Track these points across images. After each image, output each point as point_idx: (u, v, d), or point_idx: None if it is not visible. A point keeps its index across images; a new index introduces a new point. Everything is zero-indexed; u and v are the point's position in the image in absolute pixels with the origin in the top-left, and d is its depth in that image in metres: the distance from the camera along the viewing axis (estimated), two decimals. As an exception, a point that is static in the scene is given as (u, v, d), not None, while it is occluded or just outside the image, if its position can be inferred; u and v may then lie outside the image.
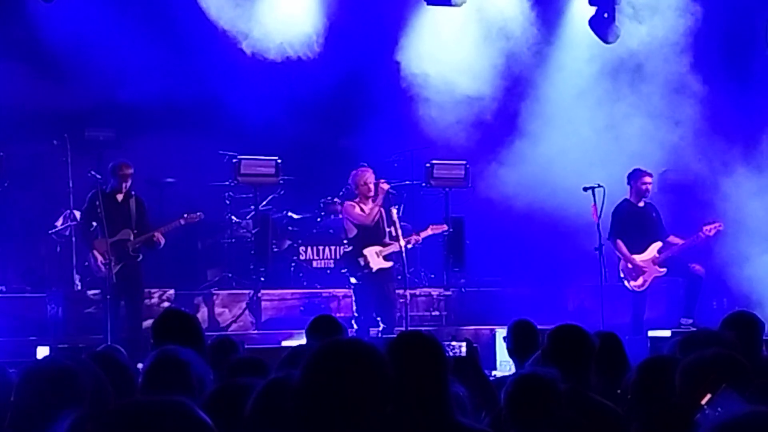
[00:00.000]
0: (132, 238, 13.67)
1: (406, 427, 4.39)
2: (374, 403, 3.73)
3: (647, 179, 14.55)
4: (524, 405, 5.38)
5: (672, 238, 14.65)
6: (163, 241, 13.85)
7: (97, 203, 13.39)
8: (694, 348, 5.51)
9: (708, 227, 14.63)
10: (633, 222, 14.41)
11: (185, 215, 14.06)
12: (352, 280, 13.80)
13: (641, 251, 14.50)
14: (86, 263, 13.86)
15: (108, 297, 13.45)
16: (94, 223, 13.64)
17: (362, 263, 13.67)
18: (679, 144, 16.83)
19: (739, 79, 16.97)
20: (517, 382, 5.48)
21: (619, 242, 14.43)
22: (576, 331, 6.31)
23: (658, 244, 14.55)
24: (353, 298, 13.92)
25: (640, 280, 14.45)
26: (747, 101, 17.04)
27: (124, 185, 13.64)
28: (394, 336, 12.44)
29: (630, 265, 14.50)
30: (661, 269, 14.53)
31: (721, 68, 16.90)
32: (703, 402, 4.54)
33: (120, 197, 13.70)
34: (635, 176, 14.55)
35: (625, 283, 14.54)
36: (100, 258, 13.51)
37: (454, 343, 6.68)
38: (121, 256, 13.59)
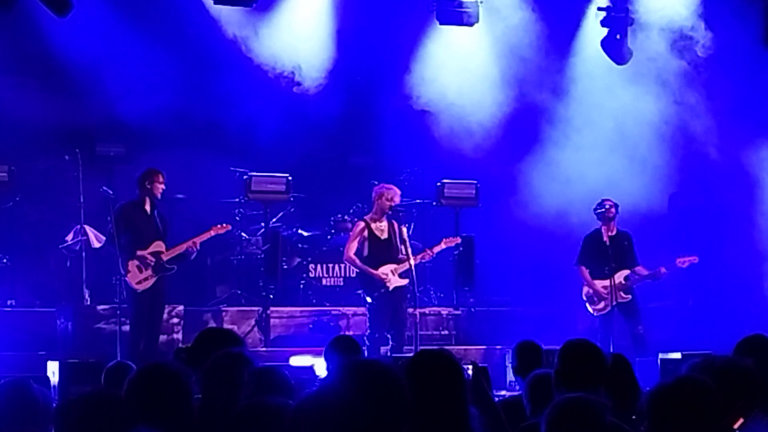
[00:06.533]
0: (165, 249, 13.53)
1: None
2: (392, 425, 3.70)
3: (606, 203, 14.64)
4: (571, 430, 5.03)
5: (640, 269, 14.67)
6: (196, 251, 13.70)
7: (133, 214, 13.30)
8: (710, 373, 5.40)
9: (681, 260, 14.69)
10: (600, 250, 14.47)
11: (213, 226, 13.97)
12: (368, 299, 13.77)
13: (606, 277, 14.50)
14: (118, 277, 13.54)
15: (130, 310, 13.36)
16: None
17: (378, 284, 13.65)
18: (695, 162, 16.83)
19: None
20: (565, 405, 5.04)
21: (582, 268, 14.67)
22: (586, 346, 6.21)
23: (625, 272, 14.58)
24: (368, 316, 13.88)
25: (601, 305, 14.60)
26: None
27: (156, 195, 13.44)
28: (404, 355, 12.43)
29: (591, 291, 14.56)
30: (626, 296, 14.58)
31: (742, 79, 16.85)
32: (736, 426, 4.48)
33: (148, 208, 13.51)
34: (597, 205, 14.66)
35: (588, 307, 14.62)
36: (150, 258, 13.29)
37: (461, 366, 6.64)
38: (157, 269, 13.44)
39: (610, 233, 14.60)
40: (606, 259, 14.45)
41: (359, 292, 14.14)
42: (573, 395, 5.24)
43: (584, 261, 14.66)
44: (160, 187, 13.43)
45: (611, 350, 13.88)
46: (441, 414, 4.42)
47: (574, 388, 5.73)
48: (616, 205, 14.60)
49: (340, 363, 3.86)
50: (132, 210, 13.42)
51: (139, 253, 13.30)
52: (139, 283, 13.29)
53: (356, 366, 3.77)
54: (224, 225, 14.09)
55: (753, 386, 5.14)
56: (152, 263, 13.32)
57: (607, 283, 14.48)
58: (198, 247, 13.67)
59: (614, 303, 14.43)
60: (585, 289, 14.68)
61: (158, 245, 13.45)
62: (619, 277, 14.55)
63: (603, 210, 14.54)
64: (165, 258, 13.44)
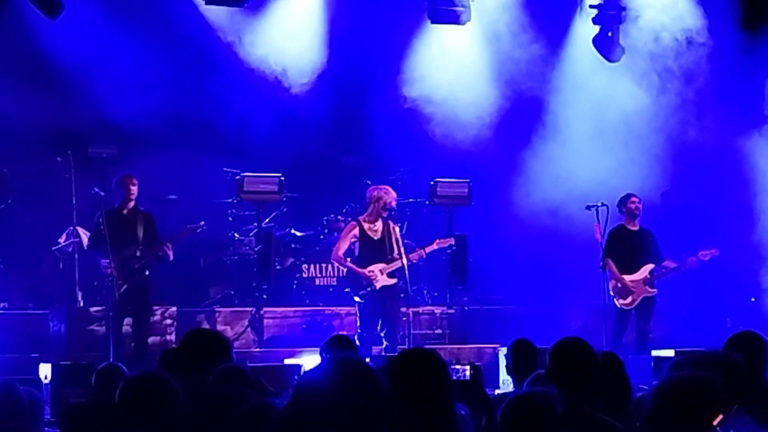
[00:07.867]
0: (138, 254, 13.47)
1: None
2: (366, 420, 3.71)
3: (634, 199, 14.77)
4: (521, 427, 5.15)
5: (668, 262, 14.71)
6: (171, 254, 13.60)
7: (101, 221, 13.27)
8: (700, 368, 5.42)
9: (704, 252, 14.74)
10: (625, 244, 14.53)
11: (188, 225, 13.91)
12: (356, 298, 13.74)
13: (632, 272, 14.54)
14: (95, 283, 13.60)
15: (110, 314, 13.33)
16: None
17: (365, 282, 13.61)
18: (685, 162, 16.84)
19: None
20: (513, 402, 5.28)
21: (610, 262, 14.57)
22: (577, 343, 6.23)
23: (650, 266, 14.62)
24: (357, 315, 13.86)
25: (629, 299, 14.65)
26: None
27: (130, 198, 13.45)
28: (396, 354, 12.39)
29: (619, 285, 14.58)
30: (652, 290, 14.64)
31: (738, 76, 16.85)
32: (715, 423, 4.49)
33: (126, 212, 13.51)
34: (623, 200, 14.74)
35: (615, 301, 14.62)
36: (105, 264, 13.14)
37: (458, 366, 6.63)
38: (128, 274, 13.36)
39: (633, 228, 14.67)
40: (632, 253, 14.51)
41: (347, 290, 14.10)
42: (521, 392, 5.33)
43: (610, 255, 14.61)
44: (134, 189, 13.43)
45: (621, 347, 13.95)
46: (425, 412, 4.42)
47: (565, 386, 5.76)
48: (641, 201, 14.71)
49: (321, 361, 3.90)
50: (108, 218, 13.29)
51: (102, 261, 13.25)
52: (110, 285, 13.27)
53: (333, 363, 3.80)
54: (201, 223, 13.95)
55: (741, 381, 5.15)
56: (111, 270, 13.14)
57: (634, 277, 14.54)
58: (171, 249, 13.56)
59: (641, 297, 14.48)
60: (612, 282, 14.66)
61: (131, 250, 13.41)
62: (645, 271, 14.60)
63: (633, 206, 14.62)
64: (137, 263, 13.38)
